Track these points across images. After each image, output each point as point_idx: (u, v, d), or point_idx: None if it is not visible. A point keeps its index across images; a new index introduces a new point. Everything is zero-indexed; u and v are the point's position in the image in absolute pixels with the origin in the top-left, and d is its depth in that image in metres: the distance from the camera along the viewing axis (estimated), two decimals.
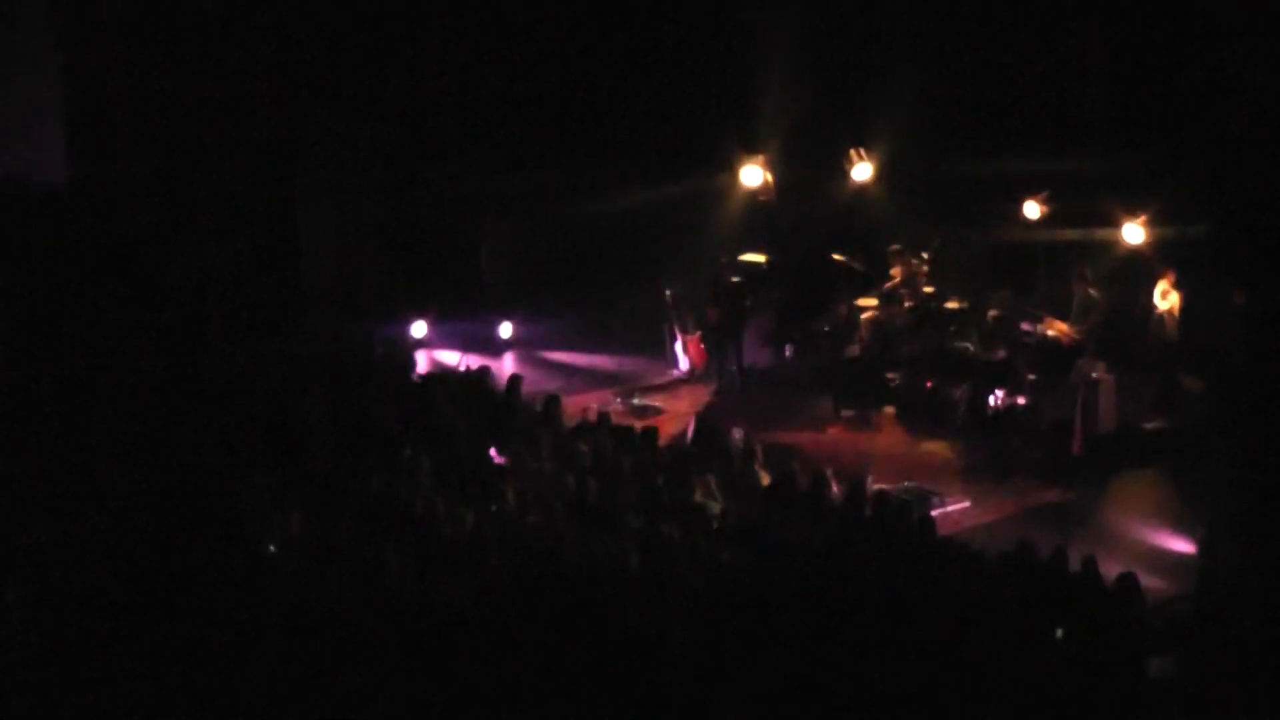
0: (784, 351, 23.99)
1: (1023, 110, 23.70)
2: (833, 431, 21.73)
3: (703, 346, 23.75)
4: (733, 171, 24.09)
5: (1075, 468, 20.04)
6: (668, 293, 24.08)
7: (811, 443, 20.98)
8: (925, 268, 23.44)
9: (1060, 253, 23.04)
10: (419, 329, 24.46)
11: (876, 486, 18.13)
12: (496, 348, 24.70)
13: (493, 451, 17.79)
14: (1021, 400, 21.05)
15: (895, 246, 23.60)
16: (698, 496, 16.65)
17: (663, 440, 18.69)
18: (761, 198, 24.25)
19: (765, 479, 17.43)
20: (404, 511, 15.36)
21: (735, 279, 23.76)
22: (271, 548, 14.24)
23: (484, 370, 20.87)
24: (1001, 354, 21.40)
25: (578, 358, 24.56)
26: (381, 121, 24.94)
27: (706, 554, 14.86)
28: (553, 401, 19.40)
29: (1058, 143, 23.17)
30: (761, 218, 24.62)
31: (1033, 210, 22.83)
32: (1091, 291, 21.80)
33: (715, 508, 16.44)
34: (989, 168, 23.35)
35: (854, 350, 22.31)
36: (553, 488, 16.46)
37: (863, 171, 23.79)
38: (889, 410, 22.34)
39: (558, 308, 25.42)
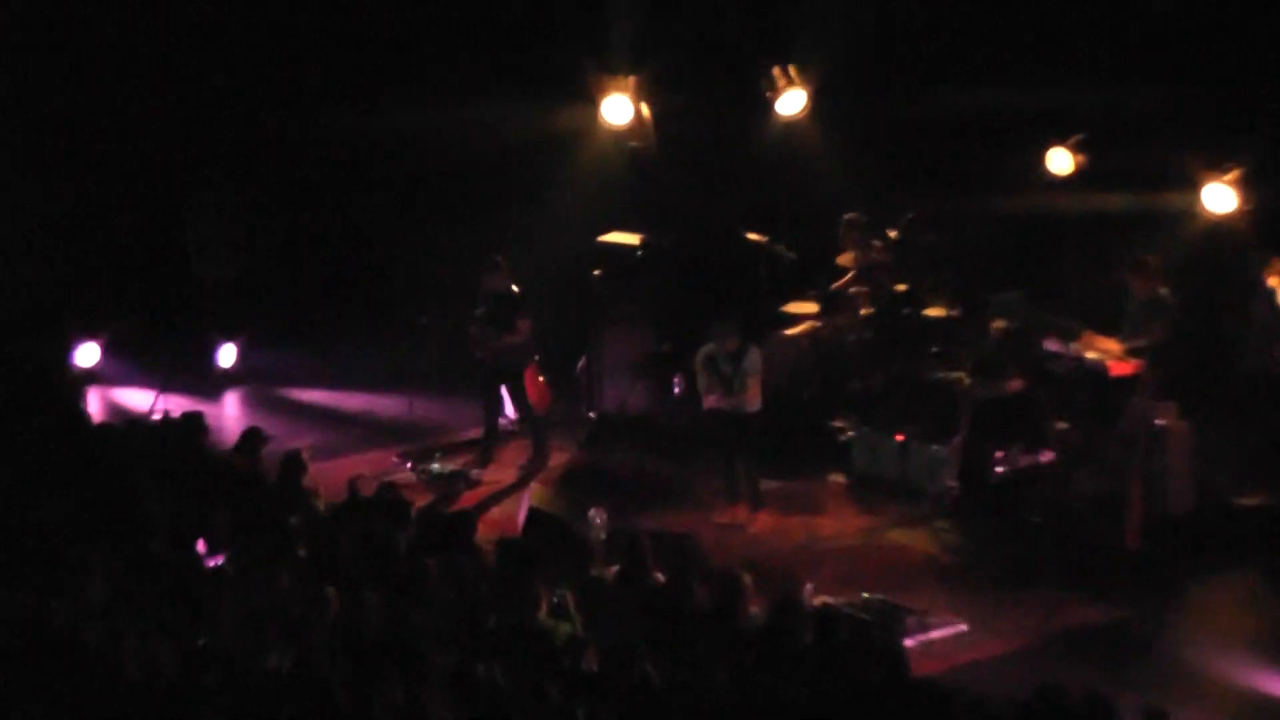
0: (671, 387, 24.01)
1: (1039, 13, 23.82)
2: (748, 512, 21.67)
3: (541, 380, 23.59)
4: (590, 104, 24.06)
5: (1130, 569, 20.10)
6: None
7: (715, 531, 20.99)
8: (890, 254, 23.50)
9: (1102, 231, 23.17)
10: (88, 355, 24.52)
11: (819, 600, 18.11)
12: (213, 383, 24.93)
13: (202, 547, 17.60)
14: (1045, 462, 21.10)
15: (850, 216, 23.67)
16: (539, 616, 16.50)
17: (483, 527, 18.70)
18: (633, 143, 24.24)
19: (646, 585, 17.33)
20: (66, 644, 15.05)
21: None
22: None
23: (193, 419, 20.74)
24: (1013, 388, 21.40)
25: (343, 399, 24.73)
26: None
27: (555, 705, 14.72)
28: (293, 464, 19.35)
29: (1096, 63, 23.28)
30: (633, 175, 24.61)
31: (1060, 163, 22.93)
32: (1161, 291, 21.79)
33: (566, 632, 16.30)
34: (986, 100, 23.55)
35: (749, 403, 22.19)
36: (307, 606, 16.21)
37: (793, 102, 23.87)
38: (837, 479, 22.49)
39: (311, 320, 25.29)
